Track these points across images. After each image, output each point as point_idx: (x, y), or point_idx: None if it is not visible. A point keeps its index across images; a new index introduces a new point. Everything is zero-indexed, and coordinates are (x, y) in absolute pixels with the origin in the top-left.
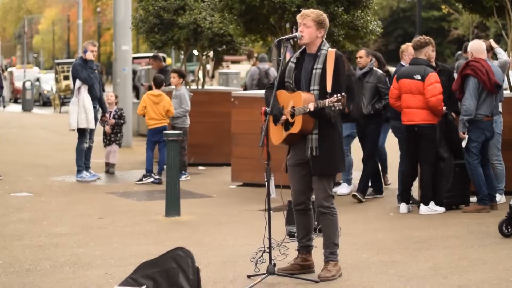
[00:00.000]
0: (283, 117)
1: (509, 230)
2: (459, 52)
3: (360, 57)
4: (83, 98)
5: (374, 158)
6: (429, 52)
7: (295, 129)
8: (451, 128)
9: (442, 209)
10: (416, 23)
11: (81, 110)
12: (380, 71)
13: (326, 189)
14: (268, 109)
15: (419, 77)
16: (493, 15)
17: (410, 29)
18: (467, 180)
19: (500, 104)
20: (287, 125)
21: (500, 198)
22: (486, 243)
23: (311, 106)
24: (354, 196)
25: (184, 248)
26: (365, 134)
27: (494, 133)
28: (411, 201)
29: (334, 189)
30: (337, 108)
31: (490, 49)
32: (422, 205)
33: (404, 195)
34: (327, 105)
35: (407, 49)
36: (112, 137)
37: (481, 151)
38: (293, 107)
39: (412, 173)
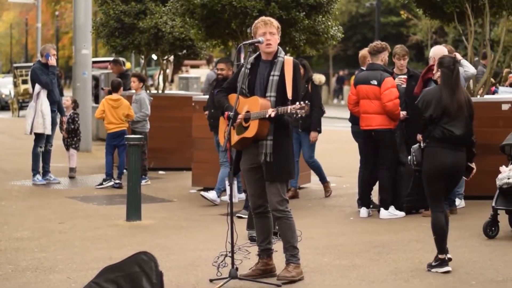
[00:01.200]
0: (239, 119)
1: (493, 231)
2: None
3: (222, 69)
4: (42, 102)
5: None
6: (385, 58)
7: (250, 133)
8: (411, 133)
9: (402, 214)
10: (375, 29)
11: (38, 114)
12: None
13: (280, 193)
14: (232, 113)
15: (375, 82)
16: (453, 21)
17: (369, 34)
18: None
19: None
20: (240, 129)
21: (459, 202)
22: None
23: (271, 112)
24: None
25: (147, 253)
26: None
27: None
28: (371, 206)
29: None
30: (299, 115)
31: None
32: (382, 210)
33: (364, 200)
34: (288, 111)
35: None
36: (69, 141)
37: None
38: (248, 111)
39: (371, 178)
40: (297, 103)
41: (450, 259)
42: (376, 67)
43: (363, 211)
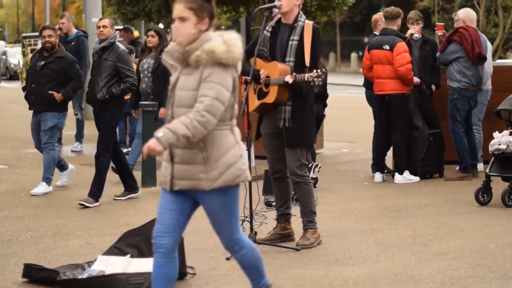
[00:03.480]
0: (262, 78)
1: (485, 198)
2: None
3: (104, 26)
4: None
5: (105, 156)
6: (400, 23)
7: (270, 99)
8: (425, 98)
9: (417, 178)
10: None
11: None
12: (122, 47)
13: (299, 157)
14: (249, 78)
15: (387, 47)
16: None
17: (376, 1)
18: (441, 149)
19: (489, 76)
20: (261, 94)
21: (480, 166)
22: (463, 211)
23: (289, 79)
24: (81, 204)
25: None
26: (100, 123)
27: (477, 102)
28: (385, 171)
29: None
30: (316, 83)
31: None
32: (396, 174)
33: (378, 165)
34: (306, 79)
35: (381, 18)
36: None
37: (466, 119)
38: (268, 76)
39: (385, 142)
40: (314, 70)
41: None
42: (389, 32)
43: (378, 176)
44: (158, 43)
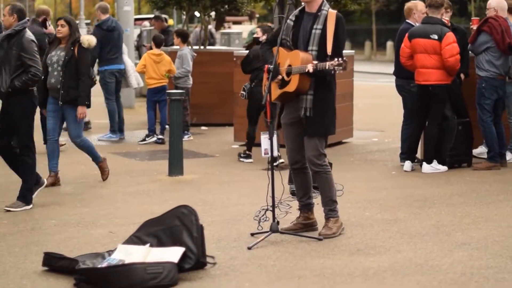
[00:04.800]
0: (279, 77)
1: None
2: None
3: (4, 15)
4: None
5: (28, 155)
6: (443, 12)
7: (291, 88)
8: (454, 87)
9: (445, 168)
10: None
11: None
12: (27, 35)
13: (318, 147)
14: (271, 66)
15: (436, 36)
16: None
17: None
18: (470, 139)
19: None
20: (282, 83)
21: (510, 156)
22: (488, 201)
23: (310, 68)
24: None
25: (187, 206)
26: (11, 119)
27: (506, 92)
28: (415, 160)
29: None
30: (337, 71)
31: None
32: (424, 164)
33: (410, 154)
34: (327, 68)
35: (416, 7)
36: None
37: (494, 109)
38: (290, 65)
39: (419, 132)
40: (336, 59)
41: None
42: (435, 21)
43: (407, 165)
44: (68, 34)
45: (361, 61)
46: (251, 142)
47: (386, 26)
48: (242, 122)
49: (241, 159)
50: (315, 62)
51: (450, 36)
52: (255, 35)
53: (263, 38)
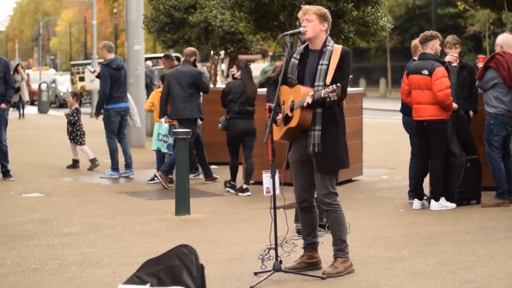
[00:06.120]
0: (279, 116)
1: None
2: None
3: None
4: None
5: None
6: (436, 46)
7: (293, 123)
8: (462, 123)
9: (453, 205)
10: (432, 20)
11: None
12: None
13: (328, 186)
14: (273, 105)
15: (426, 72)
16: (504, 9)
17: (426, 26)
18: (479, 176)
19: None
20: (287, 119)
21: None
22: (495, 238)
23: (309, 99)
24: None
25: (187, 245)
26: None
27: None
28: (425, 198)
29: None
30: (332, 99)
31: None
32: (432, 201)
33: (417, 191)
34: (322, 96)
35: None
36: (72, 135)
37: (503, 145)
38: (293, 101)
39: (423, 169)
40: (330, 86)
41: None
42: (428, 57)
43: (416, 203)
44: None
45: (376, 98)
46: (234, 173)
47: (401, 63)
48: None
49: (227, 189)
50: (311, 93)
51: (439, 70)
52: (268, 74)
53: (238, 74)
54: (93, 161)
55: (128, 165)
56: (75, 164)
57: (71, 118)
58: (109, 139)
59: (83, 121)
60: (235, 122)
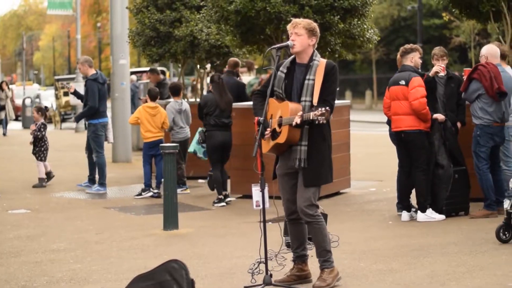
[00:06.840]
0: (267, 132)
1: (507, 235)
2: None
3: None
4: None
5: None
6: (416, 59)
7: (281, 139)
8: (450, 135)
9: (442, 217)
10: (417, 32)
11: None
12: None
13: (311, 198)
14: (262, 119)
15: (403, 82)
16: (490, 20)
17: (412, 38)
18: (467, 187)
19: None
20: (275, 134)
21: (507, 203)
22: (484, 249)
23: (297, 119)
24: None
25: (178, 260)
26: None
27: (504, 139)
28: (413, 209)
29: None
30: (321, 121)
31: (506, 55)
32: (419, 213)
33: (403, 203)
34: (311, 118)
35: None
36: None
37: (491, 156)
38: (281, 116)
39: (408, 180)
40: (319, 109)
41: None
42: (406, 68)
43: (405, 215)
44: None
45: (362, 110)
46: (219, 186)
47: (386, 75)
48: (239, 174)
49: (215, 205)
50: (300, 113)
51: (415, 80)
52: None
53: (210, 88)
54: (40, 180)
55: (94, 180)
56: (49, 175)
57: (38, 133)
58: (98, 154)
59: (68, 136)
60: (212, 134)
